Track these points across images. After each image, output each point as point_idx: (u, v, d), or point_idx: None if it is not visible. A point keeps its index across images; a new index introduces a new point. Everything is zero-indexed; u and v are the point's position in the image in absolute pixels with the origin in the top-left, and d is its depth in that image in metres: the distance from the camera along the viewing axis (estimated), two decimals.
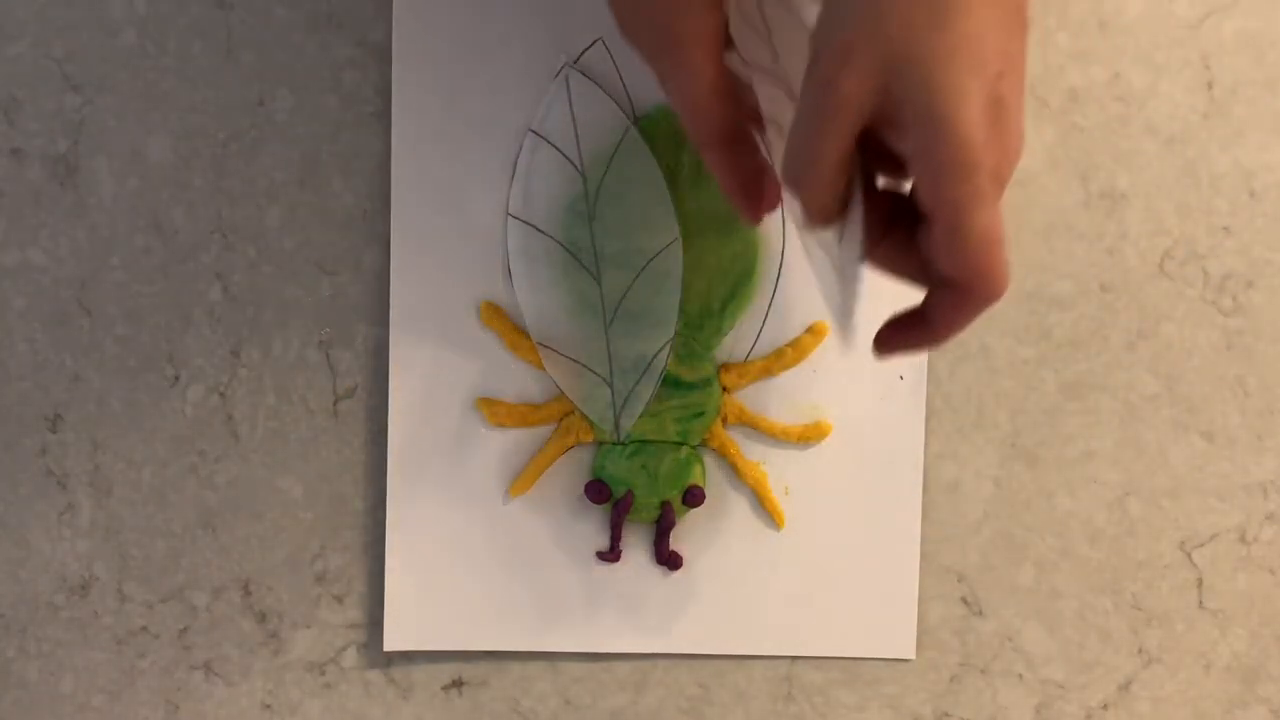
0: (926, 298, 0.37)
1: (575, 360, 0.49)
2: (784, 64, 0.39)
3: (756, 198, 0.40)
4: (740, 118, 0.39)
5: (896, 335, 0.39)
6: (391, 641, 0.50)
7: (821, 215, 0.36)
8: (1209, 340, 0.51)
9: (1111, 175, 0.50)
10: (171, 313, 0.50)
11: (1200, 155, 0.50)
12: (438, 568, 0.50)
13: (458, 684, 0.51)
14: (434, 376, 0.49)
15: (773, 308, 0.50)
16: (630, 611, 0.50)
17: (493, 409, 0.49)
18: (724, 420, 0.50)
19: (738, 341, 0.50)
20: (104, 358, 0.50)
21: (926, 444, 0.50)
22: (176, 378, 0.50)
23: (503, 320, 0.49)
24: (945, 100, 0.33)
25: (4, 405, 0.50)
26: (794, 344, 0.50)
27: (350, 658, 0.51)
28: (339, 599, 0.51)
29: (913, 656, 0.51)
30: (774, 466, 0.50)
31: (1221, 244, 0.51)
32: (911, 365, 0.50)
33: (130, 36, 0.49)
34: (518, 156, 0.49)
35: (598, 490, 0.49)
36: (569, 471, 0.50)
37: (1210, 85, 0.50)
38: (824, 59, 0.34)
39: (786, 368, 0.50)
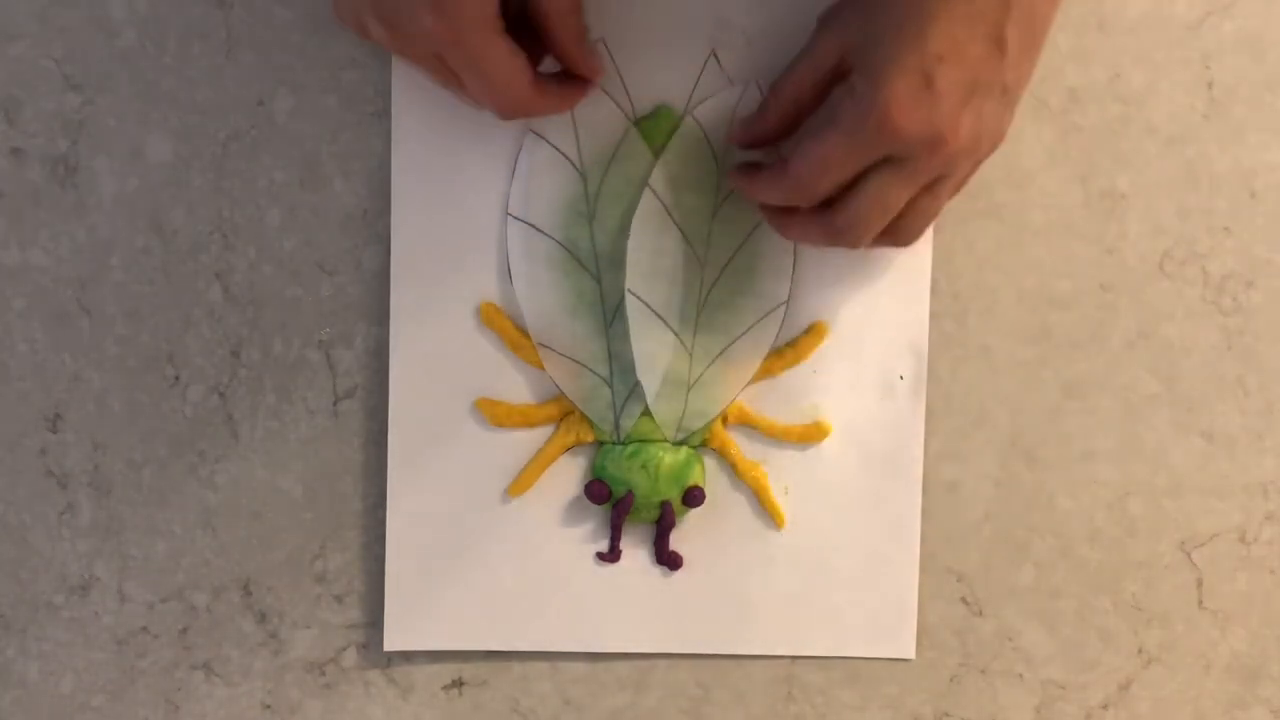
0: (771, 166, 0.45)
1: (575, 360, 0.49)
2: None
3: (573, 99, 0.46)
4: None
5: (746, 178, 0.46)
6: (392, 641, 0.50)
7: (774, 127, 0.45)
8: (1209, 340, 0.51)
9: (1111, 175, 0.50)
10: (171, 313, 0.50)
11: (1200, 155, 0.50)
12: (438, 568, 0.50)
13: (458, 684, 0.51)
14: (434, 376, 0.49)
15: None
16: (630, 611, 0.50)
17: (493, 409, 0.49)
18: (724, 420, 0.50)
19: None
20: (104, 358, 0.50)
21: (926, 444, 0.50)
22: (176, 378, 0.50)
23: (503, 320, 0.49)
24: (876, 72, 0.40)
25: (4, 405, 0.50)
26: (794, 344, 0.50)
27: (350, 658, 0.51)
28: (339, 599, 0.51)
29: (912, 656, 0.51)
30: (774, 466, 0.50)
31: (1221, 244, 0.51)
32: (911, 364, 0.50)
33: (130, 36, 0.49)
34: (517, 156, 0.49)
35: (598, 490, 0.49)
36: (569, 471, 0.50)
37: (1210, 85, 0.50)
38: (818, 28, 0.43)
39: (786, 367, 0.50)
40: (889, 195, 0.42)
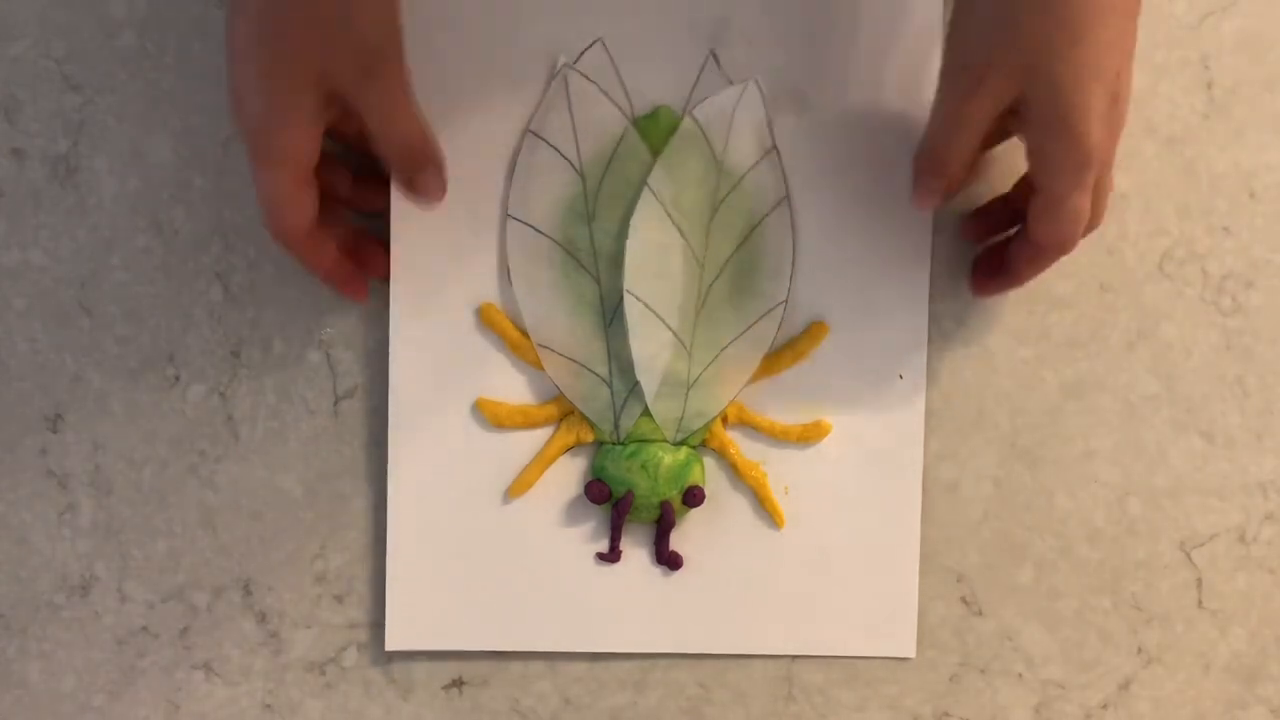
0: (1010, 252, 0.46)
1: (575, 360, 0.49)
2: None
3: (346, 281, 0.47)
4: (315, 223, 0.44)
5: (983, 280, 0.48)
6: (393, 641, 0.50)
7: (944, 195, 0.44)
8: (1209, 340, 0.51)
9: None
10: (172, 313, 0.50)
11: (1200, 155, 0.50)
12: (438, 568, 0.50)
13: (458, 684, 0.51)
14: (434, 378, 0.49)
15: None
16: (631, 612, 0.50)
17: (494, 410, 0.49)
18: (724, 420, 0.50)
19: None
20: (104, 358, 0.50)
21: (926, 444, 0.50)
22: (177, 378, 0.50)
23: (502, 321, 0.49)
24: (1071, 112, 0.39)
25: (4, 405, 0.50)
26: (793, 344, 0.49)
27: (350, 658, 0.51)
28: (339, 599, 0.51)
29: (913, 655, 0.51)
30: (774, 466, 0.50)
31: (1221, 244, 0.51)
32: (911, 364, 0.50)
33: (130, 36, 0.49)
34: (516, 157, 0.49)
35: (598, 490, 0.49)
36: (569, 472, 0.50)
37: (1210, 85, 0.50)
38: (963, 79, 0.41)
39: (786, 367, 0.50)
40: (1098, 205, 0.43)
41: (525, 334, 0.49)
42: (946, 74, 0.42)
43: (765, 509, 0.50)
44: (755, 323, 0.49)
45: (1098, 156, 0.41)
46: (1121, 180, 0.50)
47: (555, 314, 0.49)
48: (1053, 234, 0.43)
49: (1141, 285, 0.51)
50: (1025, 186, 0.46)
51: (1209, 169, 0.50)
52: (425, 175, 0.44)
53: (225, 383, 0.50)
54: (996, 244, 0.48)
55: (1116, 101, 0.40)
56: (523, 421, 0.49)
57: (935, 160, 0.43)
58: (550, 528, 0.50)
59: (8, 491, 0.50)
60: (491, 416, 0.49)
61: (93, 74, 0.49)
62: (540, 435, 0.50)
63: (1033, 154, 0.42)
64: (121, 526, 0.50)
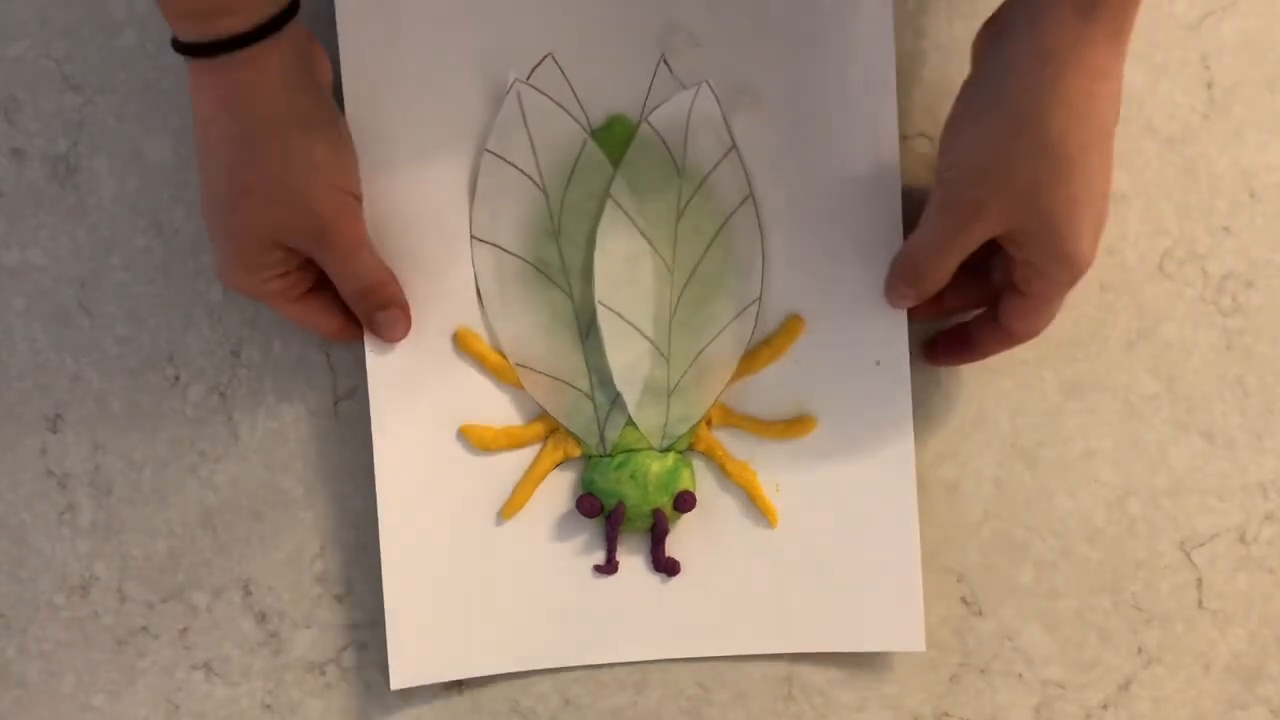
0: (976, 330, 0.47)
1: (554, 377, 0.49)
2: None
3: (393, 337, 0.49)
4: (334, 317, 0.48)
5: (944, 352, 0.49)
6: (399, 679, 0.49)
7: (920, 299, 0.46)
8: (1209, 340, 0.51)
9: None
10: (171, 313, 0.50)
11: (1200, 155, 0.50)
12: (438, 598, 0.49)
13: (458, 684, 0.51)
14: (416, 408, 0.49)
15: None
16: (633, 621, 0.50)
17: (479, 435, 0.49)
18: (708, 422, 0.50)
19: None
20: (104, 358, 0.50)
21: (927, 444, 0.50)
22: (176, 378, 0.50)
23: (480, 346, 0.49)
24: (1065, 239, 0.41)
25: (4, 405, 0.50)
26: (770, 340, 0.49)
27: (350, 658, 0.51)
28: (339, 599, 0.51)
29: (923, 648, 0.50)
30: (763, 464, 0.50)
31: (1221, 244, 0.51)
32: (892, 349, 0.49)
33: (130, 36, 0.49)
34: (475, 178, 0.48)
35: (589, 504, 0.49)
36: (559, 488, 0.50)
37: (1210, 85, 0.50)
38: (954, 214, 0.42)
39: (765, 364, 0.49)
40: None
41: (503, 355, 0.49)
42: (937, 207, 0.43)
43: (758, 508, 0.50)
44: (730, 323, 0.49)
45: (1087, 266, 0.42)
46: (1121, 180, 0.50)
47: (531, 332, 0.49)
48: (1032, 328, 0.45)
49: (1141, 285, 0.51)
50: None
51: (1209, 169, 0.50)
52: (384, 315, 0.47)
53: (225, 383, 0.50)
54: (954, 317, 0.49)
55: (1101, 216, 0.42)
56: (508, 443, 0.49)
57: (916, 275, 0.45)
58: (546, 544, 0.50)
59: (8, 491, 0.50)
60: (477, 441, 0.49)
61: (93, 74, 0.49)
62: (527, 454, 0.50)
63: (1022, 268, 0.43)
64: (121, 526, 0.50)
